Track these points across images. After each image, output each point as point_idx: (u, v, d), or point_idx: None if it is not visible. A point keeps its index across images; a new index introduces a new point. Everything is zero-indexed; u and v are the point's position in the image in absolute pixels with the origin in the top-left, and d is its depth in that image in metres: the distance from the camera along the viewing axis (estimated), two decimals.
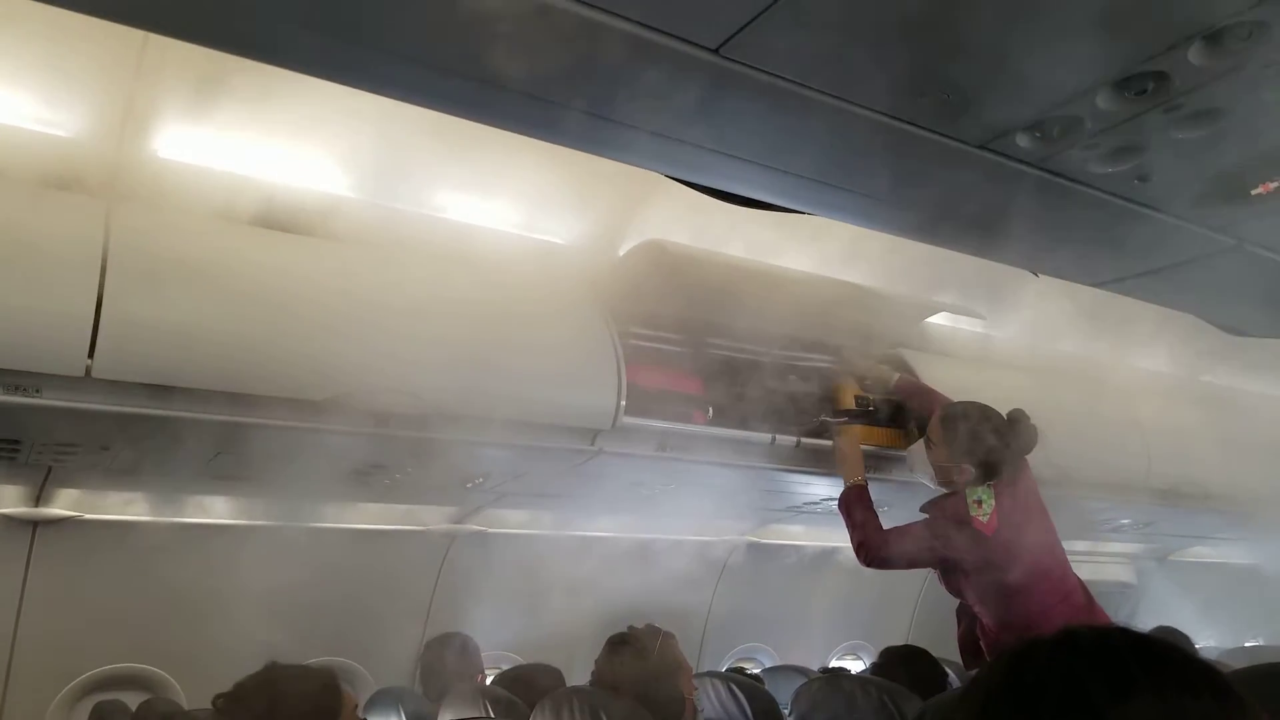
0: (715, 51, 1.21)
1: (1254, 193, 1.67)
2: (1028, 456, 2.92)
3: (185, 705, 3.18)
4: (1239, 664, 2.45)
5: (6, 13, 2.13)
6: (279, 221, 2.58)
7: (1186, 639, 3.90)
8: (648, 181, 2.97)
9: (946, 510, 2.82)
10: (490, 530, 4.04)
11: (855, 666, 4.76)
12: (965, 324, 3.91)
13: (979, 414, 2.84)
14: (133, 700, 2.62)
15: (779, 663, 4.41)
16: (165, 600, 3.23)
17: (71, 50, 2.23)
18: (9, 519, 2.89)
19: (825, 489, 3.80)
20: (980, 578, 2.74)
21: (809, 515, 4.25)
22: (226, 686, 3.18)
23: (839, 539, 4.57)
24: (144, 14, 1.30)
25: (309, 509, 3.43)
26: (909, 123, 1.39)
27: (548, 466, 3.33)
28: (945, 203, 1.63)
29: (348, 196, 2.75)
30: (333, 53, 1.33)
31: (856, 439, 3.22)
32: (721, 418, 3.21)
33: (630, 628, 2.70)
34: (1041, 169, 1.53)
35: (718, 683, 3.13)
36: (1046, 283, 2.25)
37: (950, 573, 2.89)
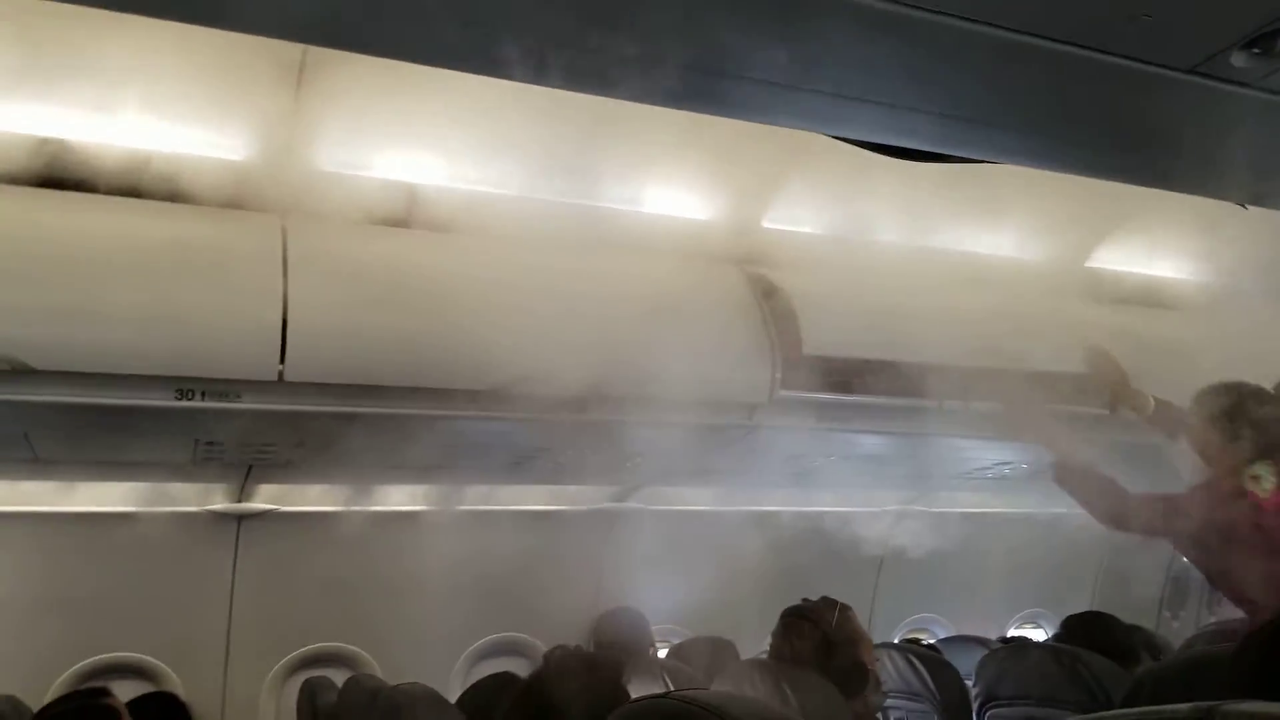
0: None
1: None
2: None
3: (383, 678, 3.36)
4: None
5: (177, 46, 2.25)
6: (438, 222, 2.66)
7: None
8: (787, 149, 2.90)
9: (1215, 490, 2.63)
10: (651, 507, 4.07)
11: (1036, 636, 4.57)
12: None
13: (1246, 391, 2.67)
14: (338, 677, 2.78)
15: (953, 633, 4.28)
16: (359, 583, 3.43)
17: (232, 74, 2.34)
18: (217, 514, 3.12)
19: (993, 454, 3.65)
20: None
21: (976, 481, 4.09)
22: (419, 662, 3.36)
23: (1007, 505, 4.40)
24: (301, 28, 1.34)
25: (482, 494, 3.55)
26: (1108, 52, 1.29)
27: (706, 443, 3.32)
28: (1154, 138, 1.50)
29: (498, 193, 2.80)
30: (481, 45, 1.33)
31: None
32: (881, 385, 3.10)
33: (804, 600, 2.66)
34: (1262, 89, 1.39)
35: (896, 655, 3.07)
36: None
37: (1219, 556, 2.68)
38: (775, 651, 2.59)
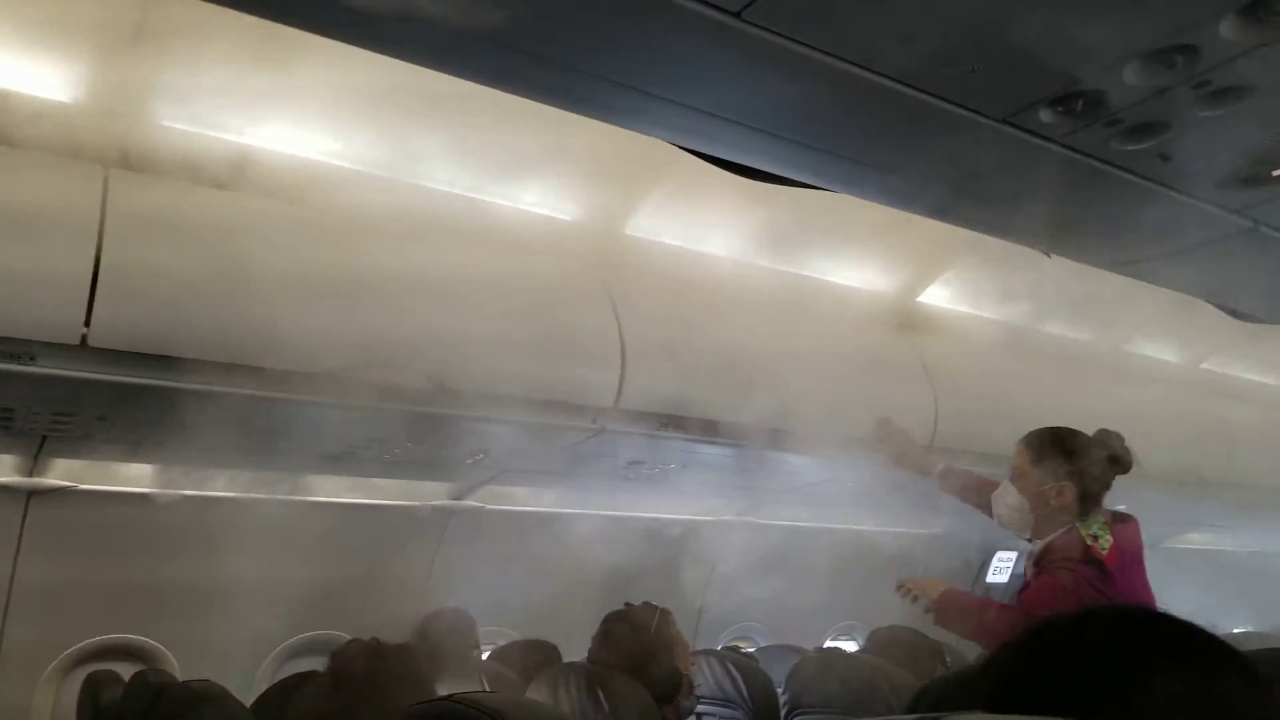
0: (737, 15, 1.17)
1: (1275, 174, 1.64)
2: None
3: (179, 677, 3.17)
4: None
5: None
6: (284, 193, 2.54)
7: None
8: (656, 157, 2.93)
9: (1060, 553, 2.46)
10: (489, 507, 4.02)
11: (850, 647, 4.76)
12: (971, 308, 3.89)
13: (1069, 435, 2.56)
14: (126, 671, 2.60)
15: (773, 642, 4.41)
16: (164, 572, 3.22)
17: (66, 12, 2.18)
18: (2, 488, 2.86)
19: (823, 472, 3.79)
20: None
21: (806, 496, 4.24)
22: (222, 660, 3.19)
23: (833, 519, 4.59)
24: None
25: (306, 483, 3.41)
26: (933, 95, 1.36)
27: (548, 444, 3.32)
28: (965, 179, 1.60)
29: (354, 169, 2.71)
30: (338, 10, 1.29)
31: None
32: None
33: (627, 605, 2.70)
34: (1063, 145, 1.50)
35: (714, 661, 3.13)
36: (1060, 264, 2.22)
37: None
38: (594, 655, 2.61)
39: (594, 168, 3.05)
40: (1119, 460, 2.56)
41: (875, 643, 3.15)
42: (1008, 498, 2.60)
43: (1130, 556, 2.49)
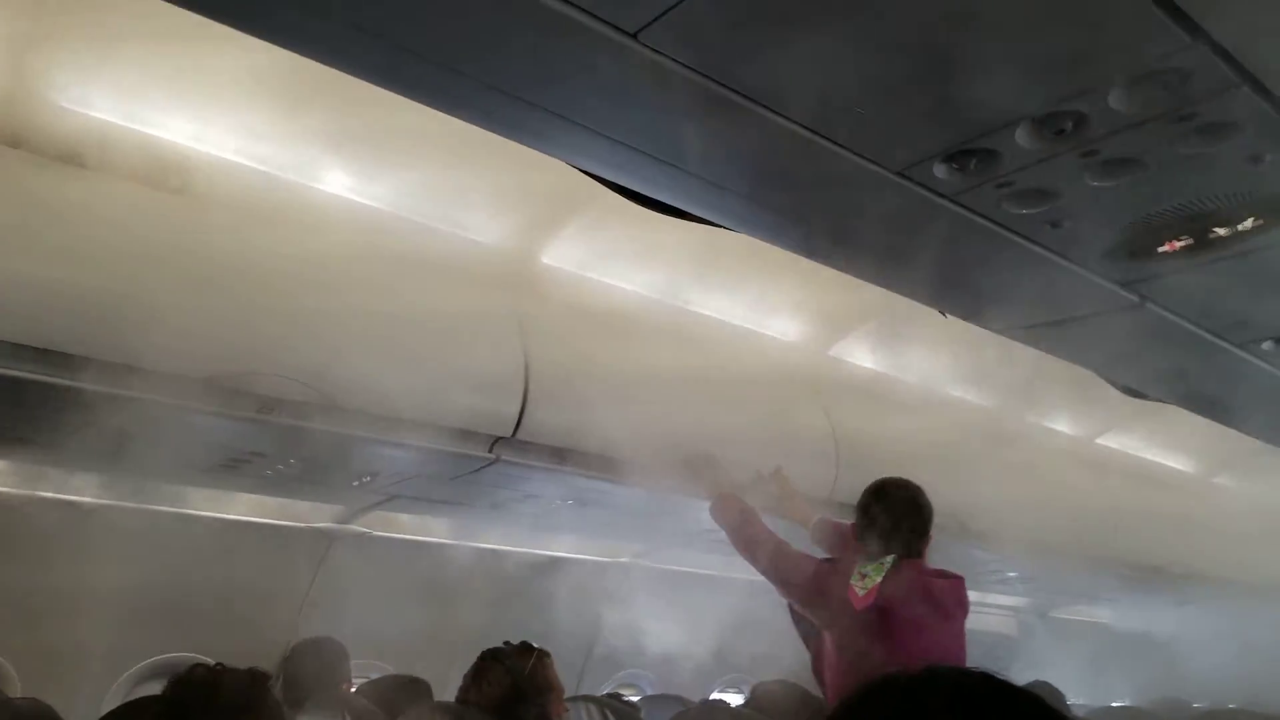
0: (634, 36, 1.14)
1: (1160, 250, 1.67)
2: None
3: (19, 692, 2.95)
4: None
5: None
6: (161, 180, 2.42)
7: (1060, 695, 3.97)
8: (577, 186, 2.90)
9: (839, 569, 2.61)
10: (375, 533, 3.88)
11: (737, 700, 4.71)
12: (872, 363, 3.93)
13: (878, 486, 2.68)
14: None
15: (661, 691, 4.33)
16: (14, 583, 2.99)
17: None
18: None
19: None
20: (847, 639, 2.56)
21: (706, 542, 4.20)
22: (69, 677, 2.96)
23: (737, 569, 4.55)
24: None
25: (179, 494, 3.24)
26: (828, 139, 1.35)
27: (442, 470, 3.22)
28: (859, 229, 1.59)
29: (251, 166, 2.60)
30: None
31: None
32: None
33: (506, 644, 2.61)
34: (956, 203, 1.50)
35: (592, 707, 3.07)
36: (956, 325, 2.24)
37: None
38: (463, 695, 2.51)
39: (515, 192, 3.00)
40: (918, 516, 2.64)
41: (758, 697, 3.10)
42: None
43: (928, 608, 2.50)
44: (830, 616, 2.54)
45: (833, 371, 3.84)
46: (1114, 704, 5.42)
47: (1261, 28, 1.16)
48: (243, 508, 3.55)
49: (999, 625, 5.76)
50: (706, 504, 3.57)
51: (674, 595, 4.37)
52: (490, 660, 2.53)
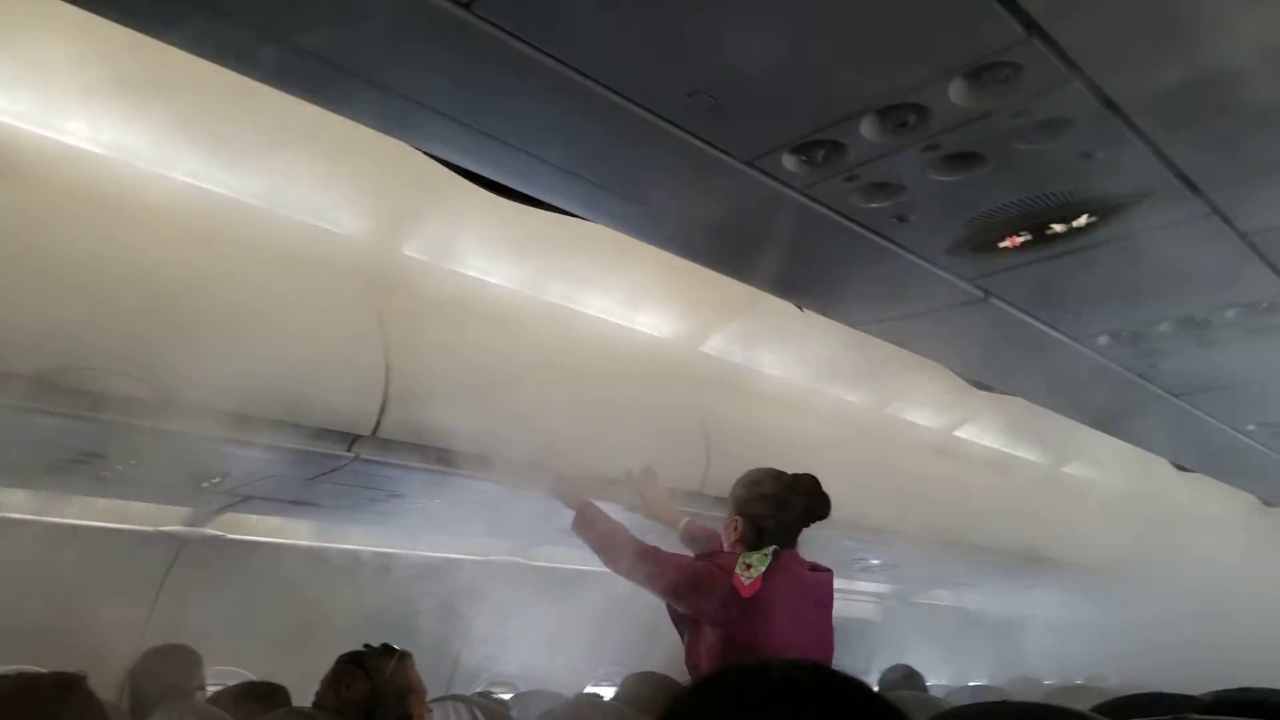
0: (467, 7, 1.10)
1: (1001, 245, 1.74)
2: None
3: None
4: (960, 702, 2.58)
5: None
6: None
7: (919, 677, 4.12)
8: (441, 177, 2.81)
9: (718, 562, 2.53)
10: (230, 535, 3.70)
11: (609, 693, 4.71)
12: (741, 357, 3.97)
13: (754, 474, 2.61)
14: None
15: (536, 688, 4.28)
16: None
17: None
18: None
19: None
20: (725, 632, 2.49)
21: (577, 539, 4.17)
22: None
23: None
24: None
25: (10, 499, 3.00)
26: (676, 125, 1.34)
27: (298, 470, 3.09)
28: (708, 219, 1.59)
29: (90, 151, 2.42)
30: None
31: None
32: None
33: (366, 646, 2.53)
34: (806, 195, 1.52)
35: (460, 707, 2.99)
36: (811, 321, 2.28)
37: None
38: (320, 700, 2.43)
39: (375, 181, 2.89)
40: (808, 506, 2.58)
41: (627, 690, 3.10)
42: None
43: (804, 599, 2.54)
44: (713, 610, 2.50)
45: (704, 366, 3.87)
46: (971, 683, 5.69)
47: (1093, 24, 1.20)
48: (89, 512, 3.32)
49: (864, 611, 5.95)
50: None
51: (548, 592, 4.33)
52: (348, 664, 2.45)
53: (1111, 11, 1.18)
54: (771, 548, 2.48)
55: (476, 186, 1.85)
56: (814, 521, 2.60)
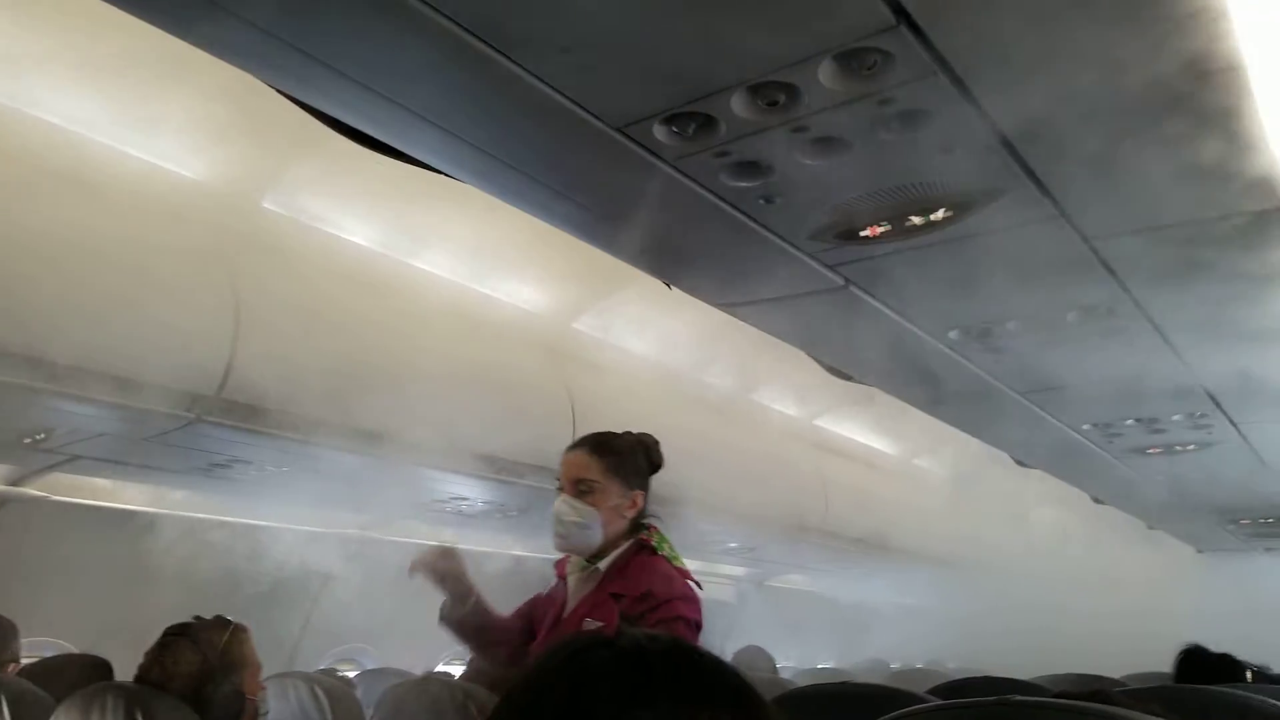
0: None
1: (862, 234, 1.76)
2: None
3: None
4: (806, 683, 2.66)
5: None
6: None
7: (770, 658, 4.23)
8: (307, 127, 2.67)
9: (668, 595, 1.97)
10: (56, 497, 3.44)
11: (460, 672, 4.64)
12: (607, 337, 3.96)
13: (639, 438, 2.13)
14: None
15: (382, 665, 4.18)
16: None
17: None
18: None
19: (452, 487, 3.68)
20: None
21: (437, 513, 4.08)
22: None
23: (468, 541, 4.46)
24: None
25: None
26: (546, 82, 1.29)
27: (132, 429, 2.89)
28: (580, 186, 1.55)
29: None
30: None
31: None
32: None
33: (196, 619, 2.39)
34: (675, 168, 1.50)
35: (300, 684, 2.88)
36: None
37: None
38: (143, 673, 2.27)
39: (235, 127, 2.73)
40: (655, 463, 2.16)
41: (474, 667, 3.05)
42: (574, 514, 2.05)
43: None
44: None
45: (574, 342, 3.84)
46: (819, 665, 5.88)
47: (960, 21, 1.22)
48: None
49: (719, 594, 6.07)
50: (436, 475, 3.45)
51: (402, 568, 4.21)
52: (176, 636, 2.31)
53: (978, 11, 1.20)
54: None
55: (341, 137, 1.76)
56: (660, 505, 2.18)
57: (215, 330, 2.68)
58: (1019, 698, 1.24)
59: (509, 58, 1.25)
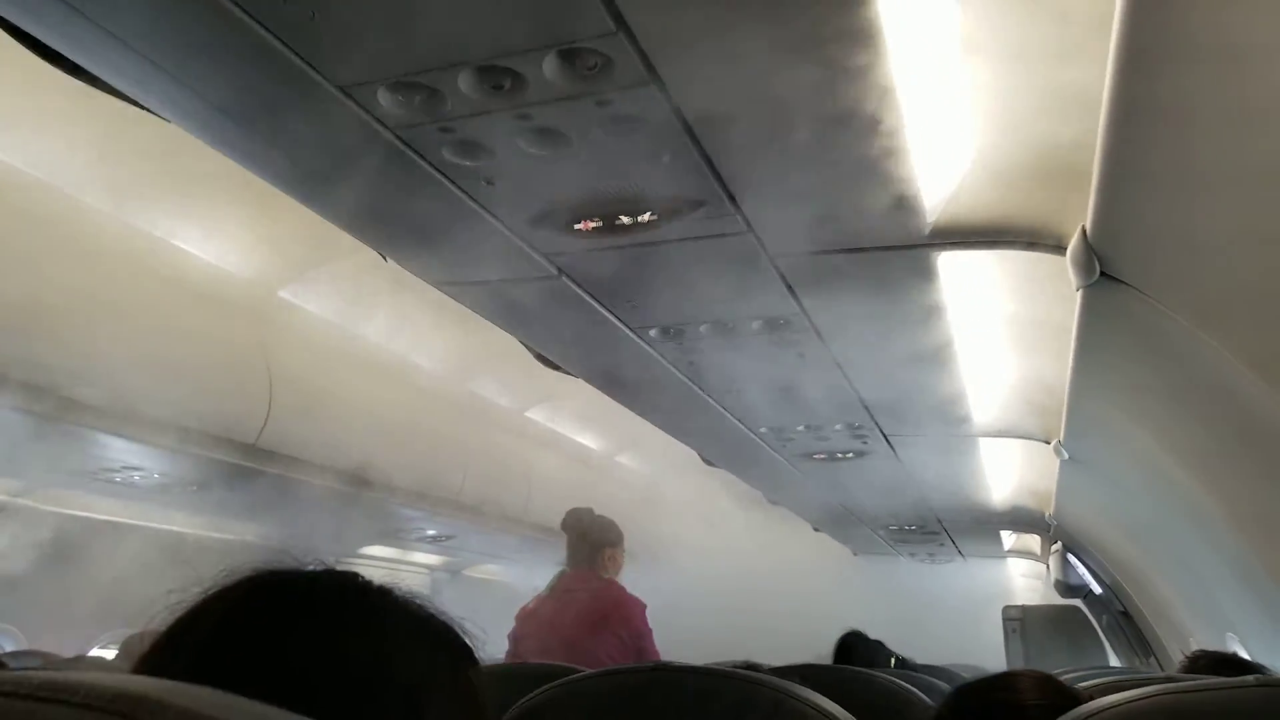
0: None
1: (576, 227, 1.86)
2: None
3: None
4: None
5: None
6: None
7: None
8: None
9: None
10: None
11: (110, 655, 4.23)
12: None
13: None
14: None
15: (28, 648, 3.74)
16: None
17: None
18: None
19: (122, 455, 3.37)
20: None
21: (100, 483, 3.71)
22: None
23: (134, 516, 4.09)
24: None
25: None
26: (267, 28, 1.25)
27: None
28: (297, 144, 1.51)
29: None
30: None
31: None
32: None
33: None
34: (398, 137, 1.50)
35: None
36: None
37: None
38: None
39: None
40: None
41: (128, 649, 2.83)
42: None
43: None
44: None
45: (280, 314, 3.64)
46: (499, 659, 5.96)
47: (675, 35, 1.33)
48: None
49: (412, 583, 5.97)
50: (99, 434, 3.15)
51: (58, 541, 3.78)
52: None
53: (693, 34, 1.32)
54: None
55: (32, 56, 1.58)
56: None
57: None
58: (674, 663, 1.35)
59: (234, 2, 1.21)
